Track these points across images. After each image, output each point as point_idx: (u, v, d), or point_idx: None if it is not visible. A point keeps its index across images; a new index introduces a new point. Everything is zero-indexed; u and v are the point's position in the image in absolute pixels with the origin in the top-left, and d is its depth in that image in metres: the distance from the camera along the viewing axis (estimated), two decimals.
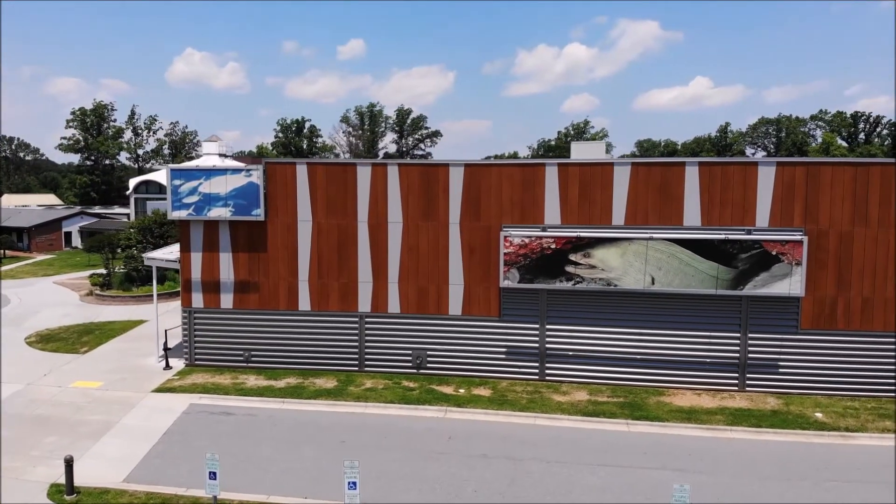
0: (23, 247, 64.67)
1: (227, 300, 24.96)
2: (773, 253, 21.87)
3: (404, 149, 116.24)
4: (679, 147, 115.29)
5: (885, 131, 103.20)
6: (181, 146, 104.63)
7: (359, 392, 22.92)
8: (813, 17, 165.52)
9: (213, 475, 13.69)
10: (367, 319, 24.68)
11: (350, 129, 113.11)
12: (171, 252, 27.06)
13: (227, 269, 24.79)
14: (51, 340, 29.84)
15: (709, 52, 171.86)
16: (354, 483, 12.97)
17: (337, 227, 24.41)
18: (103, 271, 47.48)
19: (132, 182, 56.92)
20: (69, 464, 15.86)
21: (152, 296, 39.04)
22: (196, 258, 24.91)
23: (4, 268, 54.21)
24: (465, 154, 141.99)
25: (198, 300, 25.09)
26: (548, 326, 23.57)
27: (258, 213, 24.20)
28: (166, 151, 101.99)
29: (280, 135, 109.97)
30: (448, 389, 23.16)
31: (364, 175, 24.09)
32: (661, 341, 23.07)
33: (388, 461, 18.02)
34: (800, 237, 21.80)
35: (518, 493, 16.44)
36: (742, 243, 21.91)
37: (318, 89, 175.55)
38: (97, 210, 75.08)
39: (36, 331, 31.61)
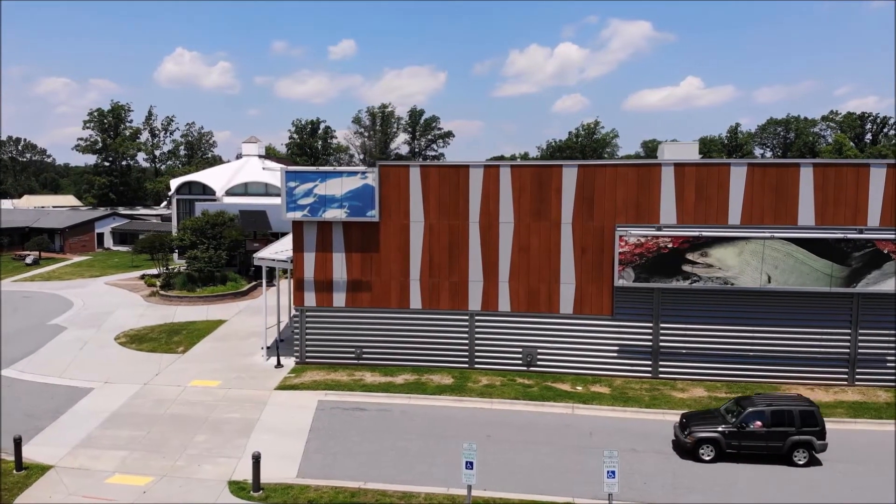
0: (55, 248, 64.24)
1: (339, 299, 25.28)
2: (885, 251, 22.56)
3: (417, 149, 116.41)
4: None
5: (891, 132, 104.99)
6: (197, 147, 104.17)
7: (479, 388, 23.34)
8: (803, 17, 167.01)
9: (469, 465, 14.04)
10: (477, 318, 25.10)
11: (362, 130, 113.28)
12: (277, 252, 27.29)
13: (339, 268, 25.12)
14: (142, 341, 29.95)
15: (700, 52, 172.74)
16: (613, 472, 13.42)
17: (448, 228, 24.81)
18: (154, 272, 47.54)
19: (174, 183, 56.68)
20: (257, 460, 16.17)
21: (217, 296, 39.51)
22: (309, 258, 25.22)
23: (44, 269, 53.95)
24: (460, 156, 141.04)
25: (310, 299, 25.39)
26: (661, 325, 24.11)
27: (373, 215, 24.55)
28: (182, 152, 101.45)
29: (294, 136, 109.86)
30: (565, 387, 23.64)
31: (476, 176, 24.52)
32: (774, 338, 23.68)
33: (544, 455, 18.50)
34: None
35: (687, 484, 16.96)
36: (856, 242, 22.57)
37: (308, 89, 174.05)
38: (126, 211, 74.74)
39: (122, 331, 31.69)
